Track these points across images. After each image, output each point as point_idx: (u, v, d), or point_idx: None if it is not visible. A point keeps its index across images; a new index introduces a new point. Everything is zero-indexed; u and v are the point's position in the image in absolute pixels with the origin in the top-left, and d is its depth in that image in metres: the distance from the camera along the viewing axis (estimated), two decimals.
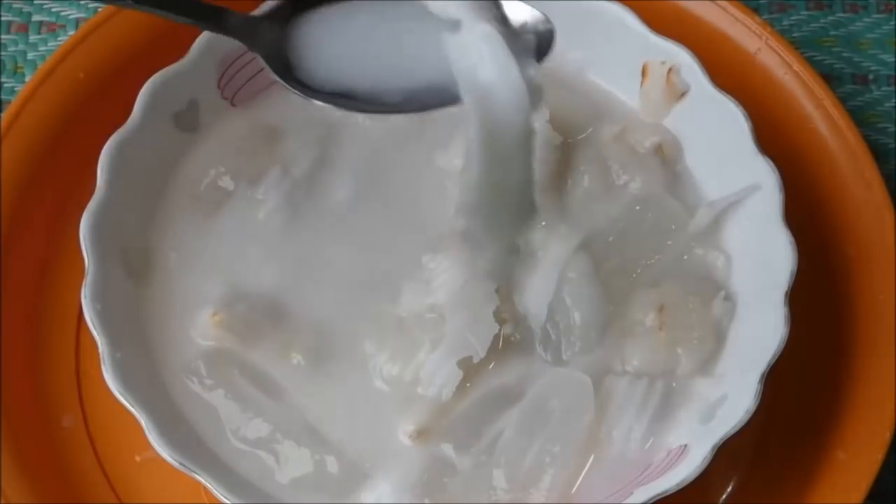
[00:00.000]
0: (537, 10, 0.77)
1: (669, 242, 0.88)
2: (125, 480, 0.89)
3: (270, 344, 0.85)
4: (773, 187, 0.84)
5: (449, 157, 0.90)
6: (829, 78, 1.07)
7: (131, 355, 0.81)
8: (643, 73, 0.91)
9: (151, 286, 0.86)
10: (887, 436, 0.86)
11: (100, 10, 0.99)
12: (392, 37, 0.76)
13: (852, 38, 1.10)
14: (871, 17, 1.11)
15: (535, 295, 0.86)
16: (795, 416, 0.90)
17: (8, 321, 0.90)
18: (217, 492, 0.77)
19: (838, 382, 0.90)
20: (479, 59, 0.72)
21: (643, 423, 0.82)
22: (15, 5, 1.10)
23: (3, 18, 1.09)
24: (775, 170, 0.85)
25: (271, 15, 0.77)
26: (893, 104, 1.07)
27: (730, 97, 0.87)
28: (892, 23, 1.10)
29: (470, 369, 0.82)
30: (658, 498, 0.76)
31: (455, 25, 0.73)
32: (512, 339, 0.85)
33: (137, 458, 0.89)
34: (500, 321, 0.84)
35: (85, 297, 0.80)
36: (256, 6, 0.78)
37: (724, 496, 0.89)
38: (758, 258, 0.85)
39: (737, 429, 0.77)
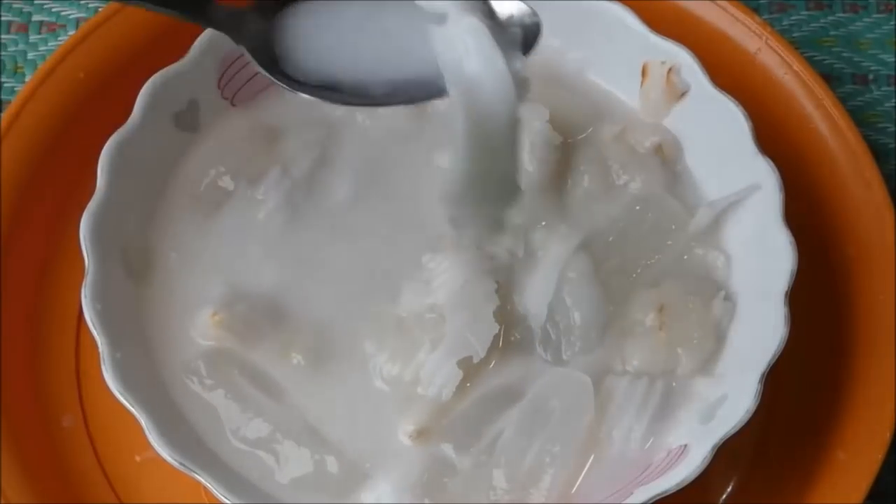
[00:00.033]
0: (524, 3, 0.77)
1: (669, 242, 0.88)
2: (125, 480, 0.89)
3: (270, 344, 0.85)
4: (773, 187, 0.84)
5: (449, 156, 0.90)
6: (829, 78, 1.07)
7: (131, 355, 0.81)
8: (643, 73, 0.91)
9: (151, 286, 0.86)
10: (887, 436, 0.86)
11: (100, 10, 0.99)
12: (378, 29, 0.75)
13: (852, 38, 1.10)
14: (871, 17, 1.11)
15: (535, 295, 0.86)
16: (795, 416, 0.90)
17: (8, 321, 0.90)
18: (217, 492, 0.77)
19: (838, 382, 0.90)
20: (465, 51, 0.72)
21: (643, 423, 0.82)
22: (15, 5, 1.10)
23: (3, 18, 1.09)
24: (775, 170, 0.85)
25: (257, 7, 0.77)
26: (893, 104, 1.07)
27: (730, 97, 0.87)
28: (892, 23, 1.10)
29: (470, 369, 0.82)
30: (658, 498, 0.76)
31: (441, 18, 0.73)
32: (512, 338, 0.85)
33: (137, 458, 0.89)
34: (500, 321, 0.84)
35: (85, 297, 0.80)
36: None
37: (724, 496, 0.89)
38: (758, 258, 0.85)
39: (737, 429, 0.77)
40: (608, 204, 0.89)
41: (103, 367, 0.78)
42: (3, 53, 1.08)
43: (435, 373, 0.81)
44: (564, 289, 0.85)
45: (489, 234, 0.84)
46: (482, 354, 0.82)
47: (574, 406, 0.82)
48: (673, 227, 0.89)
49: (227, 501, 0.77)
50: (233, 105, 0.92)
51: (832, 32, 1.10)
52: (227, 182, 0.90)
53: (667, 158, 0.91)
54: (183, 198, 0.89)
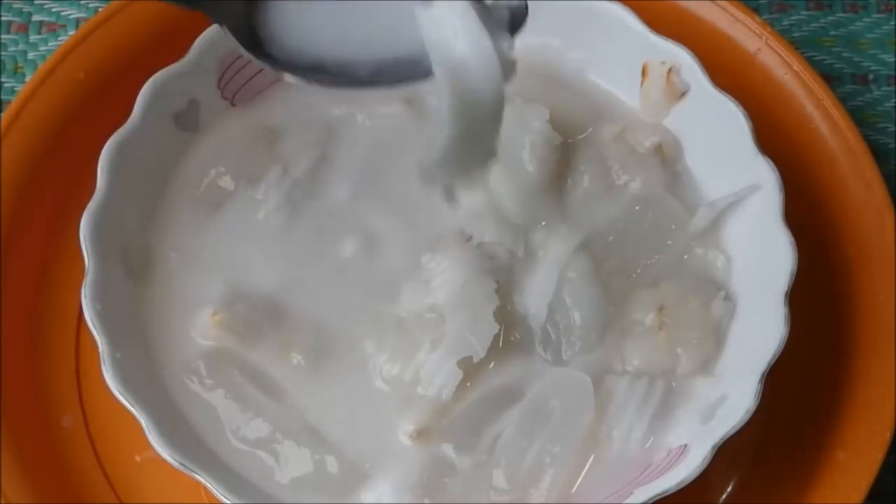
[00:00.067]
0: None
1: (669, 242, 0.88)
2: (125, 480, 0.89)
3: (270, 344, 0.85)
4: (773, 187, 0.84)
5: (433, 134, 0.89)
6: (829, 78, 1.07)
7: (131, 355, 0.81)
8: (643, 73, 0.91)
9: (151, 286, 0.86)
10: (887, 436, 0.86)
11: (100, 10, 0.99)
12: (364, 10, 0.74)
13: (852, 38, 1.10)
14: (871, 17, 1.11)
15: (535, 295, 0.86)
16: (795, 416, 0.90)
17: (8, 321, 0.90)
18: (217, 492, 0.77)
19: (838, 382, 0.90)
20: (451, 32, 0.71)
21: (643, 423, 0.82)
22: (15, 5, 1.10)
23: (3, 18, 1.09)
24: (775, 170, 0.85)
25: None
26: (893, 104, 1.07)
27: (730, 97, 0.87)
28: (892, 23, 1.10)
29: (470, 369, 0.82)
30: (658, 498, 0.76)
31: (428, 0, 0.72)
32: (512, 338, 0.85)
33: (137, 458, 0.89)
34: (500, 321, 0.84)
35: (85, 297, 0.80)
36: None
37: (724, 496, 0.89)
38: (758, 258, 0.85)
39: (737, 429, 0.77)
40: (608, 204, 0.89)
41: (103, 367, 0.78)
42: (3, 53, 1.08)
43: (435, 373, 0.81)
44: (564, 289, 0.85)
45: (459, 188, 0.83)
46: (482, 354, 0.82)
47: (574, 406, 0.82)
48: (673, 227, 0.89)
49: (227, 501, 0.77)
50: (233, 105, 0.92)
51: (832, 32, 1.10)
52: (227, 182, 0.90)
53: (667, 158, 0.91)
54: (183, 198, 0.89)
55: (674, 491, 0.76)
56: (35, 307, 0.93)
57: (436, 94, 0.73)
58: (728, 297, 0.86)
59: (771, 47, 0.98)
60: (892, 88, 1.08)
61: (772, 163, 0.85)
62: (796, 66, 0.97)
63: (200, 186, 0.90)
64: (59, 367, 0.92)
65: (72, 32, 1.06)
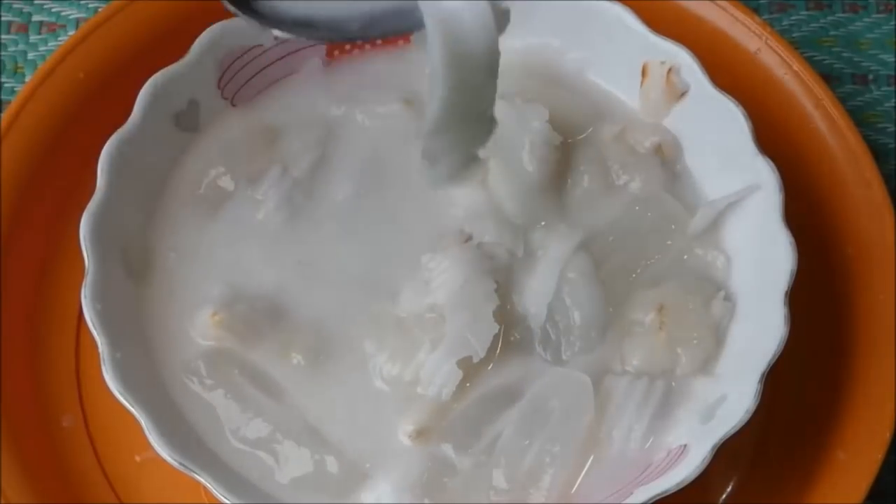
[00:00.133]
0: None
1: (669, 242, 0.88)
2: (125, 480, 0.89)
3: (270, 344, 0.85)
4: (773, 187, 0.84)
5: (428, 92, 0.88)
6: (829, 78, 1.07)
7: (131, 355, 0.81)
8: (643, 73, 0.91)
9: (151, 286, 0.86)
10: (887, 436, 0.86)
11: (100, 10, 0.99)
12: None
13: (852, 38, 1.10)
14: (871, 17, 1.11)
15: (535, 295, 0.86)
16: (795, 416, 0.90)
17: (8, 321, 0.90)
18: (217, 492, 0.77)
19: (838, 382, 0.90)
20: None
21: (643, 423, 0.82)
22: (15, 5, 1.10)
23: (3, 18, 1.09)
24: (775, 170, 0.85)
25: None
26: (893, 104, 1.07)
27: (730, 97, 0.87)
28: (892, 23, 1.10)
29: (470, 369, 0.82)
30: (658, 498, 0.76)
31: None
32: (512, 338, 0.85)
33: (137, 458, 0.89)
34: (500, 321, 0.84)
35: (85, 297, 0.80)
36: None
37: (724, 496, 0.89)
38: (758, 258, 0.85)
39: (737, 429, 0.77)
40: (608, 204, 0.90)
41: (103, 367, 0.78)
42: (3, 53, 1.08)
43: (435, 373, 0.81)
44: (564, 289, 0.85)
45: (462, 169, 0.81)
46: (482, 354, 0.82)
47: (574, 406, 0.82)
48: (673, 227, 0.89)
49: (227, 501, 0.77)
50: (233, 105, 0.92)
51: (832, 32, 1.10)
52: (227, 182, 0.90)
53: (667, 158, 0.91)
54: (183, 198, 0.89)
55: (674, 491, 0.76)
56: (35, 307, 0.93)
57: (427, 50, 0.71)
58: (728, 297, 0.86)
59: (771, 47, 0.98)
60: (892, 88, 1.08)
61: (772, 163, 0.85)
62: (796, 66, 0.97)
63: (200, 186, 0.90)
64: (59, 367, 0.92)
65: (72, 32, 1.06)
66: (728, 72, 0.92)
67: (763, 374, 0.78)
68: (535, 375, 0.84)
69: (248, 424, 0.82)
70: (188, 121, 0.90)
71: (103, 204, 0.83)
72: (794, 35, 1.10)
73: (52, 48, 1.08)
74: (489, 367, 0.84)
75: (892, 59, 1.09)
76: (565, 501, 0.81)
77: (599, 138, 0.92)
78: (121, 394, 0.78)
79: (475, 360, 0.82)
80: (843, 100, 0.98)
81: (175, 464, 0.77)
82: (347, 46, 0.94)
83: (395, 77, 0.93)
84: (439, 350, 0.82)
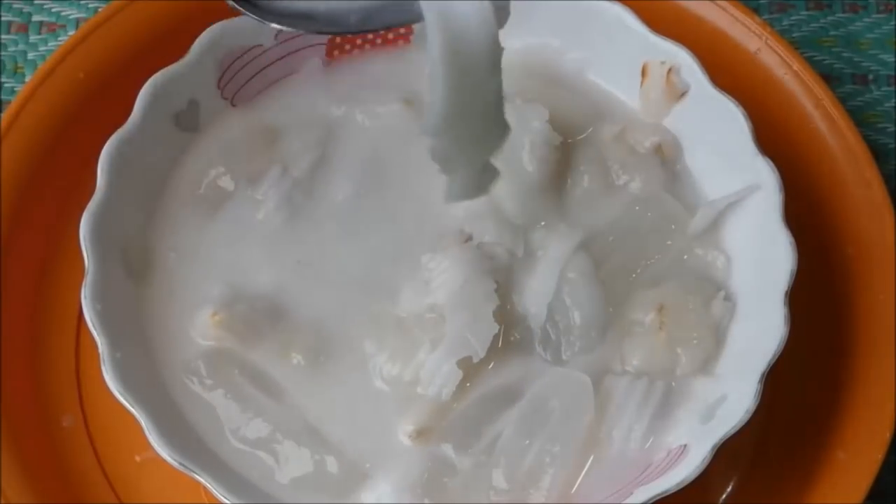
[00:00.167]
0: None
1: (669, 242, 0.88)
2: (125, 480, 0.89)
3: (270, 344, 0.85)
4: (773, 187, 0.84)
5: (428, 87, 0.88)
6: (829, 78, 1.07)
7: (131, 355, 0.81)
8: (643, 73, 0.91)
9: (151, 286, 0.86)
10: (887, 436, 0.86)
11: (100, 10, 0.99)
12: None
13: (852, 38, 1.10)
14: (871, 17, 1.11)
15: (535, 295, 0.86)
16: (795, 416, 0.90)
17: (8, 321, 0.90)
18: (217, 492, 0.77)
19: (838, 382, 0.90)
20: None
21: (643, 423, 0.82)
22: (15, 5, 1.10)
23: (3, 18, 1.09)
24: (775, 170, 0.85)
25: None
26: (893, 104, 1.07)
27: (730, 97, 0.87)
28: (892, 23, 1.10)
29: (470, 369, 0.82)
30: (658, 498, 0.76)
31: None
32: (512, 338, 0.85)
33: (137, 458, 0.89)
34: (500, 321, 0.84)
35: (85, 297, 0.80)
36: None
37: (724, 496, 0.89)
38: (758, 258, 0.85)
39: (737, 429, 0.77)
40: (608, 204, 0.90)
41: (103, 367, 0.78)
42: (3, 53, 1.08)
43: (435, 373, 0.81)
44: (564, 289, 0.85)
45: (479, 177, 0.81)
46: (482, 354, 0.82)
47: (574, 406, 0.82)
48: (673, 227, 0.89)
49: (227, 501, 0.77)
50: (233, 105, 0.92)
51: (832, 32, 1.10)
52: (227, 182, 0.90)
53: (667, 158, 0.91)
54: (183, 198, 0.89)
55: (674, 491, 0.76)
56: (35, 307, 0.93)
57: (426, 46, 0.70)
58: (728, 297, 0.86)
59: (771, 47, 0.98)
60: (892, 88, 1.08)
61: (772, 163, 0.85)
62: (796, 66, 0.97)
63: (200, 186, 0.90)
64: (59, 367, 0.92)
65: (72, 32, 1.06)
66: (728, 72, 0.92)
67: (763, 374, 0.78)
68: (535, 375, 0.84)
69: (248, 424, 0.82)
70: (188, 121, 0.90)
71: (103, 204, 0.83)
72: (794, 35, 1.10)
73: (52, 48, 1.08)
74: (489, 367, 0.84)
75: (892, 59, 1.09)
76: (565, 501, 0.81)
77: (599, 138, 0.92)
78: (121, 394, 0.78)
79: (475, 360, 0.82)
80: (843, 100, 0.98)
81: (175, 464, 0.77)
82: (347, 46, 0.94)
83: (395, 77, 0.93)
84: (439, 350, 0.82)
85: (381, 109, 0.92)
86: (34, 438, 0.89)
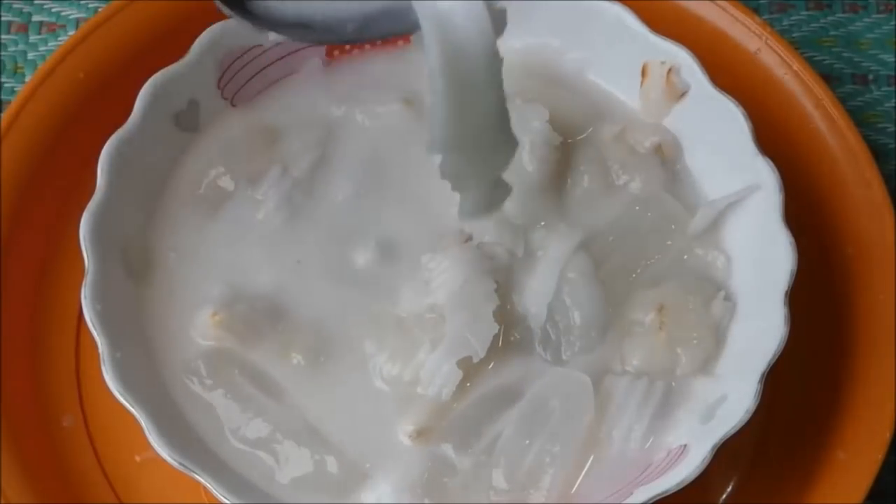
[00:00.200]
0: None
1: (669, 242, 0.88)
2: (125, 480, 0.89)
3: (270, 344, 0.85)
4: (773, 187, 0.84)
5: (429, 98, 0.88)
6: (829, 78, 1.07)
7: (131, 355, 0.81)
8: (643, 73, 0.91)
9: (151, 286, 0.86)
10: (887, 436, 0.86)
11: (100, 10, 0.99)
12: None
13: (852, 38, 1.10)
14: (871, 17, 1.11)
15: (535, 295, 0.86)
16: (795, 416, 0.90)
17: (8, 321, 0.90)
18: (217, 492, 0.77)
19: (838, 382, 0.90)
20: None
21: (643, 423, 0.82)
22: (15, 5, 1.10)
23: (3, 18, 1.09)
24: (775, 170, 0.85)
25: None
26: (893, 104, 1.07)
27: (730, 97, 0.87)
28: (892, 23, 1.10)
29: (470, 369, 0.82)
30: (658, 498, 0.76)
31: None
32: (512, 338, 0.85)
33: (137, 458, 0.89)
34: (500, 321, 0.84)
35: (85, 297, 0.80)
36: None
37: (724, 496, 0.89)
38: (758, 258, 0.85)
39: (737, 429, 0.77)
40: (608, 204, 0.89)
41: (103, 367, 0.78)
42: (3, 53, 1.08)
43: (435, 373, 0.81)
44: (564, 289, 0.85)
45: (491, 194, 0.81)
46: (482, 354, 0.82)
47: (574, 406, 0.82)
48: (673, 227, 0.89)
49: (227, 501, 0.77)
50: (233, 105, 0.92)
51: (832, 32, 1.10)
52: (227, 182, 0.90)
53: (667, 158, 0.91)
54: (183, 198, 0.89)
55: (674, 491, 0.76)
56: (35, 307, 0.93)
57: (425, 55, 0.70)
58: (728, 297, 0.86)
59: (771, 47, 0.98)
60: (892, 88, 1.08)
61: (772, 163, 0.85)
62: (796, 66, 0.97)
63: (200, 186, 0.90)
64: (59, 367, 0.92)
65: (72, 32, 1.06)
66: (728, 72, 0.92)
67: (763, 374, 0.78)
68: (535, 375, 0.84)
69: (248, 424, 0.82)
70: (188, 121, 0.90)
71: (103, 204, 0.83)
72: (794, 35, 1.10)
73: (52, 48, 1.08)
74: (489, 367, 0.84)
75: (892, 59, 1.09)
76: (565, 501, 0.81)
77: (599, 138, 0.92)
78: (121, 394, 0.78)
79: (475, 360, 0.82)
80: (843, 100, 0.98)
81: (175, 464, 0.77)
82: (347, 46, 0.94)
83: (395, 77, 0.93)
84: (439, 350, 0.82)
85: (381, 109, 0.92)
86: (34, 438, 0.89)
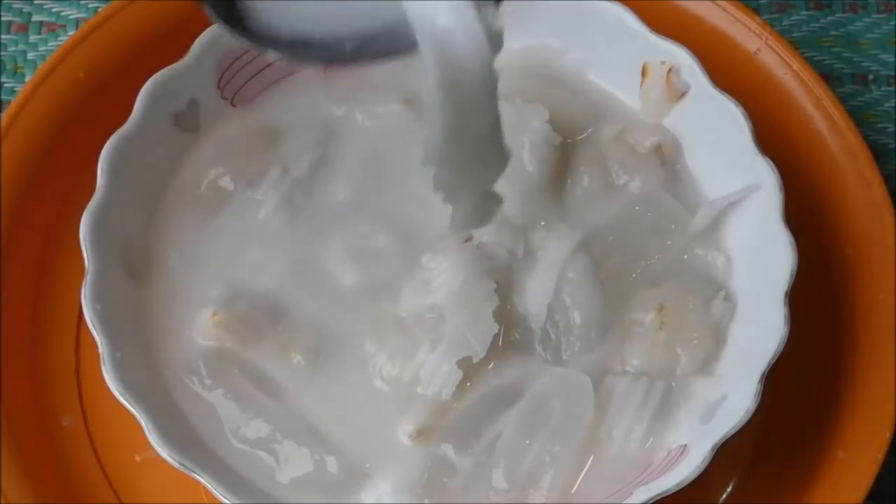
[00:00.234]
0: None
1: (669, 242, 0.88)
2: (125, 480, 0.89)
3: (270, 344, 0.85)
4: (773, 187, 0.84)
5: (426, 115, 0.88)
6: (829, 78, 1.07)
7: (131, 355, 0.81)
8: (643, 73, 0.91)
9: (152, 286, 0.86)
10: (887, 436, 0.86)
11: (100, 10, 0.99)
12: None
13: (852, 38, 1.10)
14: (871, 17, 1.11)
15: (535, 295, 0.86)
16: (795, 416, 0.90)
17: (8, 321, 0.90)
18: (217, 492, 0.77)
19: (838, 382, 0.90)
20: (433, 3, 0.69)
21: (643, 423, 0.82)
22: (15, 5, 1.10)
23: (3, 18, 1.09)
24: (775, 170, 0.85)
25: None
26: (893, 104, 1.07)
27: (730, 97, 0.87)
28: (892, 23, 1.10)
29: (470, 369, 0.82)
30: (658, 498, 0.76)
31: None
32: (512, 338, 0.85)
33: (137, 458, 0.89)
34: (500, 321, 0.84)
35: (85, 297, 0.80)
36: None
37: (724, 496, 0.89)
38: (758, 258, 0.85)
39: (737, 429, 0.77)
40: (608, 204, 0.89)
41: (103, 367, 0.78)
42: (3, 53, 1.08)
43: (435, 373, 0.81)
44: (564, 289, 0.85)
45: (482, 206, 0.81)
46: (482, 354, 0.82)
47: (574, 406, 0.82)
48: (673, 227, 0.89)
49: (227, 501, 0.77)
50: (233, 105, 0.92)
51: (832, 32, 1.10)
52: (227, 182, 0.90)
53: (667, 158, 0.91)
54: (183, 198, 0.89)
55: (674, 491, 0.76)
56: (35, 307, 0.93)
57: (422, 71, 0.70)
58: (728, 297, 0.86)
59: (771, 47, 0.98)
60: (892, 88, 1.08)
61: (772, 163, 0.85)
62: (796, 66, 0.97)
63: (200, 187, 0.90)
64: (59, 367, 0.92)
65: (72, 32, 1.06)
66: (728, 72, 0.92)
67: (763, 374, 0.78)
68: (535, 375, 0.84)
69: (248, 424, 0.82)
70: (188, 121, 0.90)
71: (103, 204, 0.83)
72: (794, 35, 1.10)
73: (52, 48, 1.08)
74: (489, 367, 0.84)
75: (892, 59, 1.09)
76: (565, 501, 0.81)
77: (599, 138, 0.92)
78: (121, 394, 0.78)
79: (475, 360, 0.82)
80: (843, 100, 0.98)
81: (175, 464, 0.77)
82: None
83: (395, 77, 0.93)
84: (439, 350, 0.82)
85: (381, 109, 0.92)
86: (34, 438, 0.89)
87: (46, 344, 0.92)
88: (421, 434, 0.82)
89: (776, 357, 0.79)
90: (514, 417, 0.82)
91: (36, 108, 0.94)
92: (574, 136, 0.92)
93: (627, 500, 0.77)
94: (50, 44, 1.08)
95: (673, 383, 0.84)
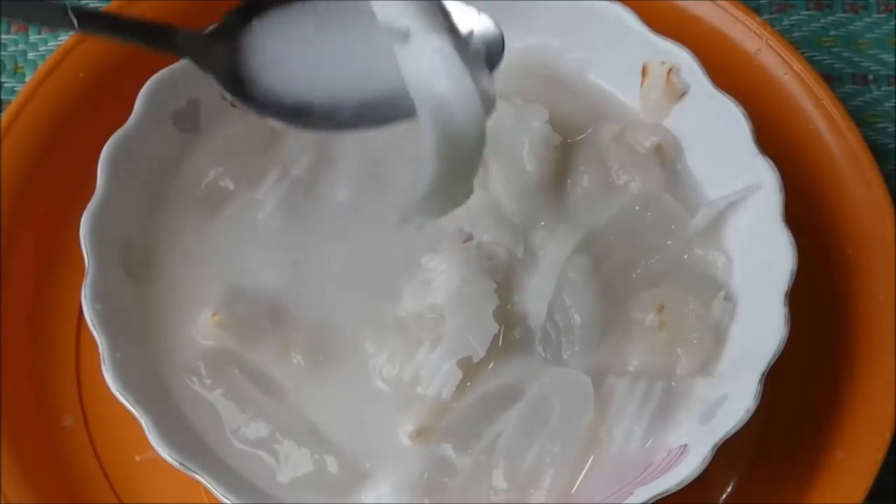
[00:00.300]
0: (486, 16, 0.76)
1: (669, 242, 0.88)
2: (125, 480, 0.89)
3: (270, 344, 0.85)
4: (773, 187, 0.84)
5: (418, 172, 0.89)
6: (829, 78, 1.07)
7: (131, 355, 0.81)
8: (643, 73, 0.91)
9: (152, 286, 0.86)
10: (887, 436, 0.86)
11: (100, 10, 0.98)
12: (343, 50, 0.75)
13: (852, 38, 1.10)
14: (871, 17, 1.11)
15: (535, 295, 0.86)
16: (795, 416, 0.90)
17: (8, 321, 0.90)
18: (217, 492, 0.77)
19: (838, 382, 0.90)
20: (432, 70, 0.71)
21: (643, 423, 0.82)
22: None
23: (3, 18, 1.09)
24: (775, 170, 0.85)
25: (220, 31, 0.75)
26: (893, 104, 1.07)
27: (730, 97, 0.87)
28: (892, 23, 1.10)
29: (470, 369, 0.83)
30: (658, 498, 0.76)
31: (405, 36, 0.72)
32: (512, 338, 0.85)
33: (137, 458, 0.89)
34: (500, 321, 0.84)
35: (85, 297, 0.80)
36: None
37: (724, 496, 0.89)
38: (758, 258, 0.85)
39: (737, 429, 0.77)
40: (608, 204, 0.90)
41: (103, 367, 0.78)
42: (3, 53, 1.08)
43: (435, 373, 0.81)
44: (564, 289, 0.85)
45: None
46: (482, 354, 0.82)
47: (574, 406, 0.82)
48: (673, 226, 0.89)
49: (227, 501, 0.77)
50: (233, 105, 0.92)
51: (832, 32, 1.10)
52: (227, 182, 0.90)
53: (667, 158, 0.91)
54: (183, 198, 0.89)
55: (674, 491, 0.76)
56: (35, 307, 0.93)
57: (420, 132, 0.73)
58: (728, 297, 0.86)
59: (771, 47, 0.98)
60: (892, 88, 1.08)
61: (772, 163, 0.85)
62: (796, 66, 0.97)
63: (200, 186, 0.90)
64: (59, 367, 0.92)
65: (72, 32, 1.06)
66: (728, 72, 0.92)
67: (763, 374, 0.78)
68: (535, 375, 0.84)
69: (249, 424, 0.82)
70: (188, 121, 0.90)
71: (103, 204, 0.83)
72: (794, 35, 1.10)
73: (52, 48, 1.07)
74: (489, 367, 0.84)
75: (892, 59, 1.09)
76: (565, 501, 0.81)
77: (599, 138, 0.92)
78: (121, 394, 0.78)
79: (475, 360, 0.82)
80: (843, 100, 0.98)
81: (175, 464, 0.77)
82: None
83: None
84: (439, 350, 0.82)
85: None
86: (34, 438, 0.89)
87: (46, 344, 0.92)
88: (421, 434, 0.82)
89: (776, 357, 0.79)
90: (514, 417, 0.82)
91: (36, 108, 0.94)
92: (574, 136, 0.92)
93: (627, 500, 0.77)
94: (50, 44, 1.08)
95: (673, 383, 0.84)
